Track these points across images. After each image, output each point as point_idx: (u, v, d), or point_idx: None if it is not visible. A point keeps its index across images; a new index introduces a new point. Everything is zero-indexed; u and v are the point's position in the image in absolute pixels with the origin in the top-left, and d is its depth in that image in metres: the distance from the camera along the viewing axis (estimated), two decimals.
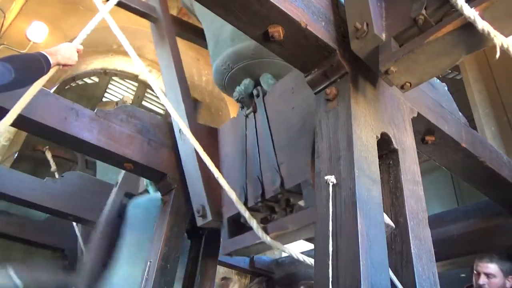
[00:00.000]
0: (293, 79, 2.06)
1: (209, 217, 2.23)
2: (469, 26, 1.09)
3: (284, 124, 2.03)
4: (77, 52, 1.75)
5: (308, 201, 1.78)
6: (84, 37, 1.84)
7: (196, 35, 3.28)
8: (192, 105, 2.65)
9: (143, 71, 2.10)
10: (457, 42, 1.18)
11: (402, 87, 1.33)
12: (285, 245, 1.80)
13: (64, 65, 1.69)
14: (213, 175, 1.84)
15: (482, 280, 2.33)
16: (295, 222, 1.77)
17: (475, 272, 2.39)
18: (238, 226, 2.15)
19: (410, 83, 1.31)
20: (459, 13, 1.10)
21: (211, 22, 2.74)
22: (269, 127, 2.11)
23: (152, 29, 3.06)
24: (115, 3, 1.97)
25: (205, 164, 1.86)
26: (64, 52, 1.67)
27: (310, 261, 1.64)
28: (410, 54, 1.23)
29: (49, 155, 4.26)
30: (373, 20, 1.31)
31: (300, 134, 1.87)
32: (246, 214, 1.79)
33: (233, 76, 2.50)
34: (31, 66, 1.54)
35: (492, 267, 2.33)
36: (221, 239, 2.25)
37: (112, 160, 2.48)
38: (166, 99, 2.06)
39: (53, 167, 4.32)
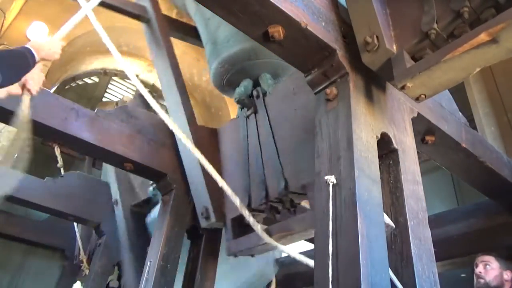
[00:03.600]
0: (293, 80, 2.05)
1: (213, 219, 2.24)
2: (486, 44, 1.10)
3: (287, 125, 2.01)
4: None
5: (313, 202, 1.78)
6: (64, 34, 1.84)
7: (193, 35, 3.20)
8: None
9: (120, 62, 1.90)
10: (473, 59, 1.19)
11: (417, 99, 1.35)
12: (286, 245, 1.79)
13: (46, 60, 1.71)
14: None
15: (479, 269, 2.44)
16: (300, 224, 1.75)
17: (475, 267, 2.45)
18: (242, 226, 2.15)
19: (425, 95, 1.33)
20: (475, 32, 1.10)
21: (206, 25, 2.71)
22: (271, 128, 2.10)
23: (145, 30, 2.93)
24: (97, 2, 1.85)
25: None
26: (49, 47, 1.72)
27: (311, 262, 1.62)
28: (426, 71, 1.24)
29: (57, 151, 4.26)
30: (383, 31, 1.30)
31: (303, 136, 1.86)
32: (250, 219, 1.73)
33: (232, 77, 2.49)
34: (18, 64, 1.54)
35: (489, 257, 2.44)
36: (226, 240, 2.24)
37: (112, 160, 2.48)
38: (163, 113, 1.85)
39: (60, 162, 4.33)
